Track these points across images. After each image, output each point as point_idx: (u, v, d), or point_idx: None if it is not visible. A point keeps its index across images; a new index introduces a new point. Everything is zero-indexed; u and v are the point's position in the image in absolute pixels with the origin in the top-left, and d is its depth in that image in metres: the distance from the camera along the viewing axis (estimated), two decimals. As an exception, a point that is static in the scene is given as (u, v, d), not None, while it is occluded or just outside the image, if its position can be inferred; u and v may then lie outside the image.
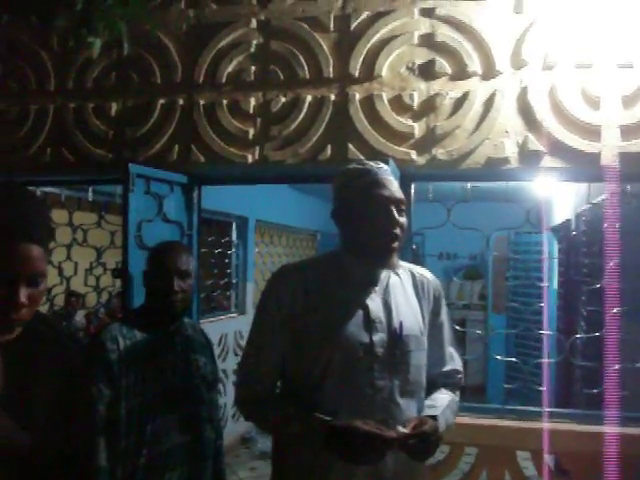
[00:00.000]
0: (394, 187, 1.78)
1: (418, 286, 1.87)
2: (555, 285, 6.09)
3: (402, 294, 1.82)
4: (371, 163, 1.83)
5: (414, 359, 1.76)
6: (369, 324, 1.72)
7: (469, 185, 2.97)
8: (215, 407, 2.37)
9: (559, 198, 6.05)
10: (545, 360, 3.63)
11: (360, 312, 1.73)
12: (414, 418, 1.68)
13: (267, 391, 1.79)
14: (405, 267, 1.90)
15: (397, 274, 1.84)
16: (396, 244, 1.75)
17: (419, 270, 1.92)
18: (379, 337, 1.72)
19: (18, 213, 1.18)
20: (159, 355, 2.16)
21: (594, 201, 3.00)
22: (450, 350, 1.95)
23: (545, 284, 5.21)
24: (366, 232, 1.74)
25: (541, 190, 5.68)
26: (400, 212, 1.75)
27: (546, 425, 2.80)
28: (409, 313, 1.79)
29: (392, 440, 1.55)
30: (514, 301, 7.61)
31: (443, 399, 1.83)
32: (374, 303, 1.75)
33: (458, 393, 1.94)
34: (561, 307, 5.72)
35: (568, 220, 5.44)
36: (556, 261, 6.05)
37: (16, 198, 1.21)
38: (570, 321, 5.21)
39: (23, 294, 1.16)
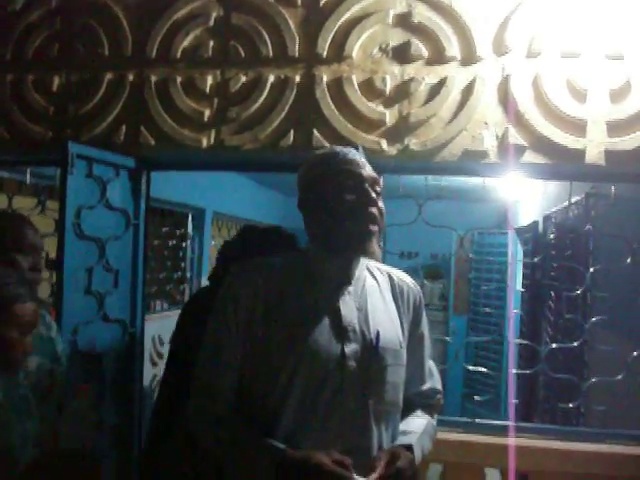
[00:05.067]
0: (367, 167, 1.55)
1: (397, 292, 1.62)
2: (519, 287, 5.98)
3: (379, 300, 1.57)
4: (340, 147, 1.60)
5: (391, 375, 1.51)
6: (341, 332, 1.47)
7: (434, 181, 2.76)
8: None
9: (525, 199, 5.94)
10: (522, 371, 3.46)
11: (330, 317, 1.48)
12: (386, 452, 1.42)
13: (221, 411, 1.49)
14: (383, 270, 1.66)
15: (374, 276, 1.60)
16: (375, 227, 1.49)
17: (398, 274, 1.67)
18: (352, 348, 1.46)
19: None
20: None
21: (573, 200, 2.81)
22: (430, 366, 1.72)
23: (510, 286, 5.09)
24: (339, 216, 1.48)
25: (509, 190, 5.58)
26: (377, 193, 1.51)
27: (516, 441, 2.60)
28: (387, 322, 1.54)
29: None
30: (476, 303, 7.53)
31: (419, 424, 1.60)
32: (347, 307, 1.50)
33: (436, 416, 1.71)
34: (525, 311, 5.59)
35: (535, 222, 5.31)
36: (521, 263, 5.94)
37: None
38: (535, 326, 5.08)
39: None
